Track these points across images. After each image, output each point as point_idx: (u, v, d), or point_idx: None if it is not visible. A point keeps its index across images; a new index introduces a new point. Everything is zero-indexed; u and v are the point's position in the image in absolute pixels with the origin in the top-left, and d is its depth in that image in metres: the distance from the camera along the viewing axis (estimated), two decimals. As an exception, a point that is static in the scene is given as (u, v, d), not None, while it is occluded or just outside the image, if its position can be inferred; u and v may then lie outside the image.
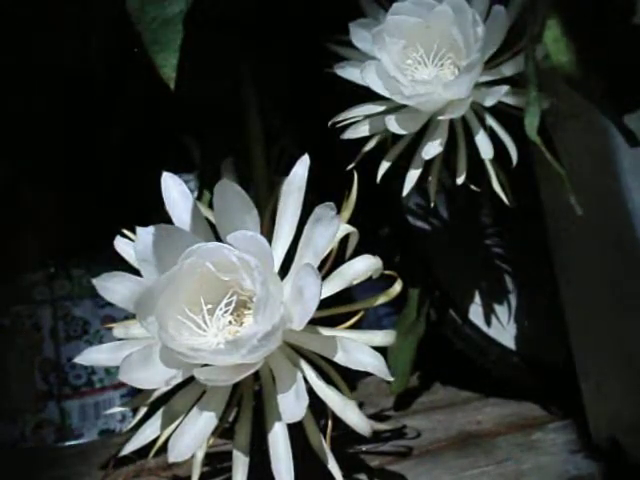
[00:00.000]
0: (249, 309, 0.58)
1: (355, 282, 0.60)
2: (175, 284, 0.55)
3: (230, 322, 0.57)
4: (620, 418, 0.69)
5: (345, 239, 0.62)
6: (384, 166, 0.72)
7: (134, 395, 0.65)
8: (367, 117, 0.72)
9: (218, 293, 0.56)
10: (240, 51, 0.82)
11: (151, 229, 0.56)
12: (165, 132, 0.87)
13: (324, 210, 0.56)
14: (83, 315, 0.86)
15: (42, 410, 0.84)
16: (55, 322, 0.86)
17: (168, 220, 0.59)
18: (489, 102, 0.68)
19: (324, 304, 0.57)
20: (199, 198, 0.78)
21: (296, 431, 0.58)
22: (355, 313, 0.63)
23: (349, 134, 0.72)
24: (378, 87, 0.69)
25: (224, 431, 0.62)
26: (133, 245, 0.57)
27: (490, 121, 0.69)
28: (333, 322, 0.61)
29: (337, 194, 0.63)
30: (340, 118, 0.72)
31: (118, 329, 0.63)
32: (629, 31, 0.51)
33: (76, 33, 0.80)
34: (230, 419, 0.62)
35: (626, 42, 0.51)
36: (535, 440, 0.75)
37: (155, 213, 0.59)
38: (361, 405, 0.61)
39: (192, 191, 0.60)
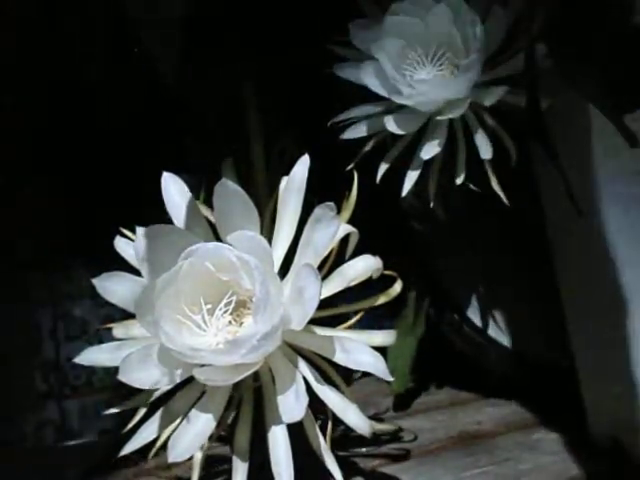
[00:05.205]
0: (249, 309, 0.58)
1: (355, 282, 0.60)
2: (175, 284, 0.55)
3: (230, 322, 0.57)
4: (620, 417, 0.69)
5: (345, 239, 0.62)
6: (383, 166, 0.72)
7: (134, 395, 0.65)
8: (366, 117, 0.72)
9: (218, 293, 0.56)
10: (241, 52, 0.82)
11: (151, 229, 0.56)
12: (165, 132, 0.87)
13: (324, 210, 0.56)
14: (83, 315, 0.86)
15: (42, 410, 0.84)
16: (55, 322, 0.86)
17: (168, 220, 0.59)
18: (489, 102, 0.68)
19: (324, 304, 0.57)
20: (199, 198, 0.78)
21: (296, 431, 0.58)
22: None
23: (349, 134, 0.72)
24: (377, 87, 0.70)
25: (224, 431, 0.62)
26: (133, 245, 0.57)
27: (490, 121, 0.69)
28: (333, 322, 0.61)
29: (337, 194, 0.63)
30: (340, 118, 0.72)
31: (118, 329, 0.63)
32: (629, 31, 0.51)
33: (76, 34, 0.80)
34: (229, 420, 0.62)
35: (626, 42, 0.51)
36: (535, 440, 0.75)
37: (155, 213, 0.59)
38: (361, 405, 0.61)
39: (192, 191, 0.60)
